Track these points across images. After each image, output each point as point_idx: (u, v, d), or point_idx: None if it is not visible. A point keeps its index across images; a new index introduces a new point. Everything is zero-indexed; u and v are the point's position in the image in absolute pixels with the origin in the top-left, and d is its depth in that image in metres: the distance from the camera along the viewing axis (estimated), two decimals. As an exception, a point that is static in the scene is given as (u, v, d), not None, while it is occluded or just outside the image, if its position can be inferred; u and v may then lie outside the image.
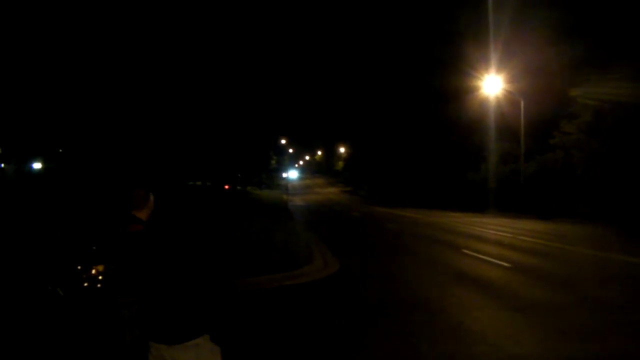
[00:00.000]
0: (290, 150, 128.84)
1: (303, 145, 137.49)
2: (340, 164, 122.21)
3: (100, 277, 5.67)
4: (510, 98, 37.33)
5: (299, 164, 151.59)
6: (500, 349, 7.26)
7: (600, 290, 11.13)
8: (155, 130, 31.81)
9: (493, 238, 21.40)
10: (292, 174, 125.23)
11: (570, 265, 14.46)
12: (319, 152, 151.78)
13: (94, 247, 6.02)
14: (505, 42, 37.50)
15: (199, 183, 46.82)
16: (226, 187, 54.14)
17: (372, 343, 7.64)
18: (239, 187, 61.24)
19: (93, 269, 5.75)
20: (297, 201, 63.26)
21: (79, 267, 5.87)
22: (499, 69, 37.34)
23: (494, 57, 38.04)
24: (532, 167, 36.50)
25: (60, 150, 38.32)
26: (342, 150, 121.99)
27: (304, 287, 11.92)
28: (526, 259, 15.47)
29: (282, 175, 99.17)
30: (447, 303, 10.14)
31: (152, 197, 5.01)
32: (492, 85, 37.91)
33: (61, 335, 6.78)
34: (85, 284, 5.73)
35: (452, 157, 49.11)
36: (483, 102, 40.45)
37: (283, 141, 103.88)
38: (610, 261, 15.26)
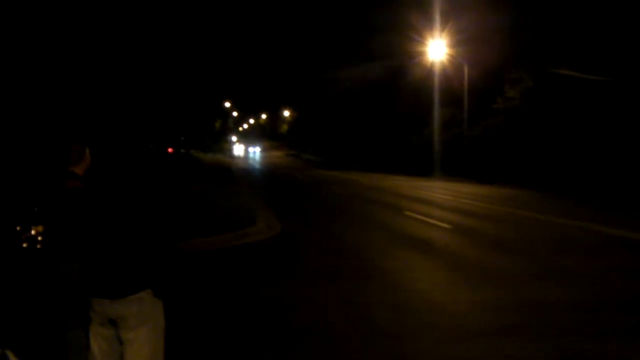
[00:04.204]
0: (235, 114, 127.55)
1: (247, 109, 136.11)
2: (285, 128, 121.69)
3: (39, 238, 5.58)
4: (454, 63, 37.71)
5: (242, 128, 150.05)
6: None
7: (529, 245, 11.98)
8: (95, 89, 31.04)
9: (435, 201, 21.85)
10: (256, 149, 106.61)
11: (509, 227, 15.02)
12: (263, 116, 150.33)
13: (36, 208, 5.90)
14: (449, 7, 37.80)
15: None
16: (170, 150, 53.40)
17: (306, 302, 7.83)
18: (182, 151, 60.49)
19: (32, 229, 5.63)
20: (242, 164, 63.00)
21: (18, 228, 5.75)
22: (443, 34, 37.60)
23: (438, 22, 38.28)
24: (475, 132, 36.95)
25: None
26: (286, 113, 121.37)
27: (247, 247, 11.99)
28: (466, 220, 15.95)
29: (228, 139, 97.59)
30: (384, 257, 10.62)
31: (88, 152, 4.89)
32: (436, 50, 38.22)
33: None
34: (25, 245, 5.61)
35: (398, 122, 49.46)
36: (428, 67, 40.78)
37: (227, 104, 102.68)
38: (538, 220, 16.08)
